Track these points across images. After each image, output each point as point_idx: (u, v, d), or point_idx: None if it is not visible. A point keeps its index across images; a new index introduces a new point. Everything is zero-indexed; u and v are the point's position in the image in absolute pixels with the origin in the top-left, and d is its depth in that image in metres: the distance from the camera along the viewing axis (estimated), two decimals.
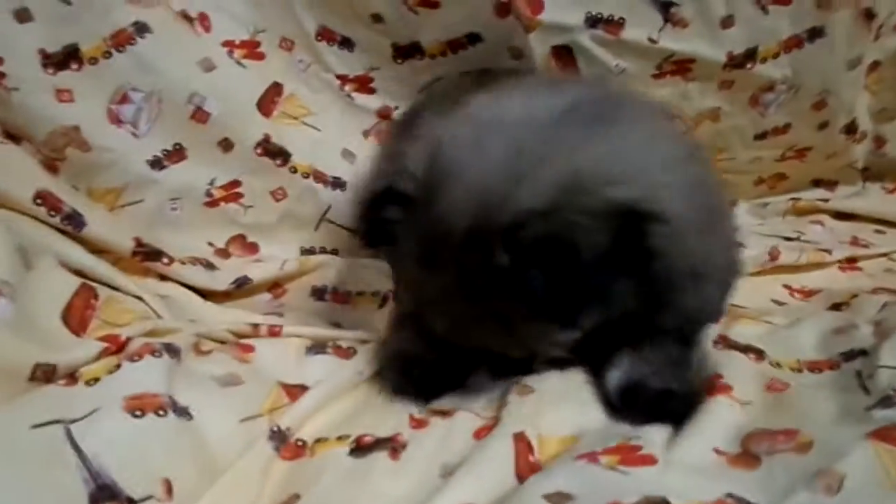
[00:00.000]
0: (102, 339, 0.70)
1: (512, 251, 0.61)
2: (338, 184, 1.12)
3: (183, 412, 0.63)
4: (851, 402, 0.65)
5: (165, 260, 0.93)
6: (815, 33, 1.14)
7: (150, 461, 0.58)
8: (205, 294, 0.96)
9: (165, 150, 1.00)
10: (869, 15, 1.15)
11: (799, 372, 0.74)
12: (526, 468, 0.61)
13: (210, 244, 1.05)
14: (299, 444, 0.67)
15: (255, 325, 0.83)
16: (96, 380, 0.64)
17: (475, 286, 0.64)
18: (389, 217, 0.69)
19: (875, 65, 1.28)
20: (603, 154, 0.64)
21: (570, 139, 0.64)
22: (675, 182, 0.66)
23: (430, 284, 0.67)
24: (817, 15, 1.12)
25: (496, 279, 0.62)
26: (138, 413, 0.60)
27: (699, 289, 0.70)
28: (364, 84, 1.16)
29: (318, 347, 0.82)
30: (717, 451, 0.61)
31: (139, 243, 0.91)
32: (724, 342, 0.79)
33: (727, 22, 1.10)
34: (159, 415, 0.61)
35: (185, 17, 1.01)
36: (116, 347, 0.70)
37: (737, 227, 0.79)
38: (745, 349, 0.78)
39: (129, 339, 0.71)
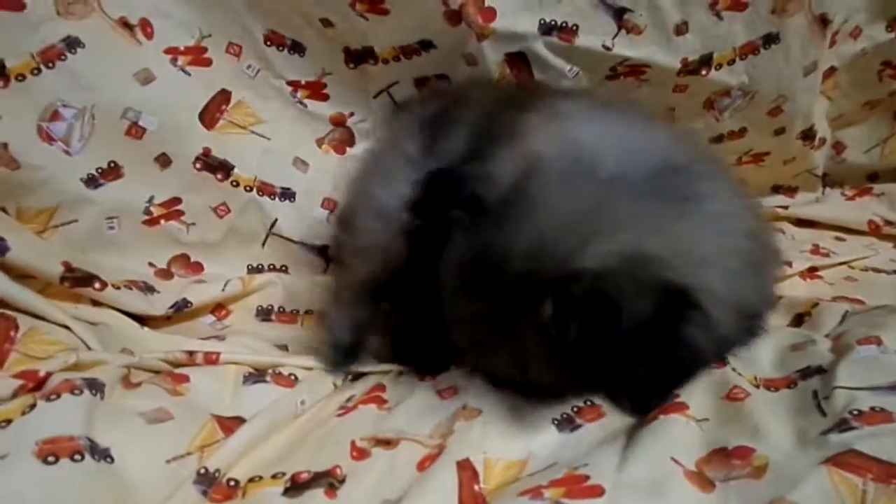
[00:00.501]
0: (19, 375, 0.66)
1: (558, 301, 0.62)
2: (287, 195, 1.08)
3: (103, 455, 0.59)
4: (807, 424, 0.63)
5: (97, 285, 0.88)
6: (771, 39, 1.12)
7: None
8: (143, 319, 0.91)
9: (100, 168, 0.95)
10: (824, 21, 1.14)
11: (756, 388, 0.72)
12: (470, 500, 0.58)
13: (151, 264, 1.01)
14: (231, 484, 0.62)
15: (191, 353, 0.79)
16: (8, 421, 0.60)
17: (509, 326, 0.66)
18: (453, 218, 0.70)
19: (831, 71, 1.27)
20: (672, 239, 0.65)
21: (648, 214, 0.66)
22: (730, 271, 0.68)
23: (464, 304, 0.69)
24: (772, 21, 1.11)
25: (533, 326, 0.64)
26: (51, 459, 0.56)
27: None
28: (317, 90, 1.12)
29: (257, 376, 0.78)
30: (675, 461, 0.59)
31: (69, 268, 0.87)
32: None
33: (681, 28, 1.08)
34: (75, 460, 0.57)
35: (126, 24, 0.96)
36: (34, 384, 0.66)
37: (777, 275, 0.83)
38: None
39: (48, 375, 0.67)
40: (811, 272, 1.15)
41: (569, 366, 0.63)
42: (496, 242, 0.66)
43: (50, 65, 0.89)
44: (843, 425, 0.60)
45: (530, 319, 0.64)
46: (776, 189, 1.39)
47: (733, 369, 0.73)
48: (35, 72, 0.89)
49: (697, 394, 0.69)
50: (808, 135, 1.28)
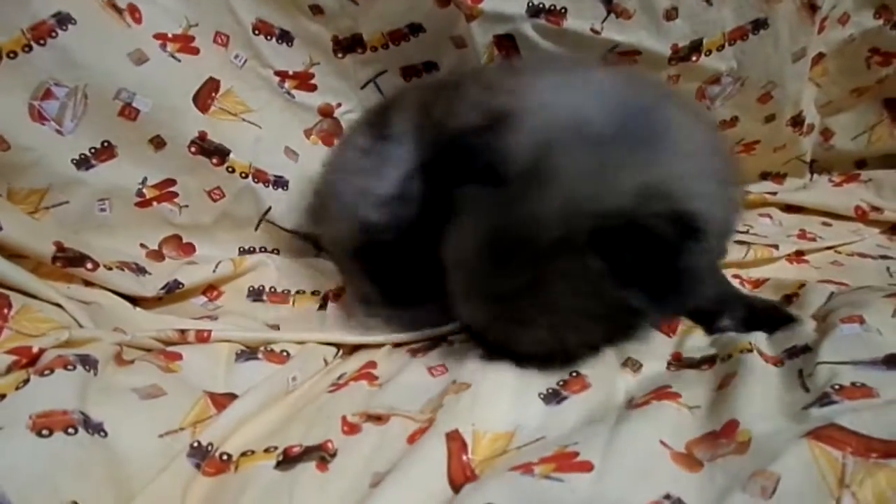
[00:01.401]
0: (12, 351, 0.67)
1: (603, 246, 0.66)
2: (280, 183, 1.08)
3: (97, 429, 0.60)
4: (792, 400, 0.64)
5: (90, 265, 0.88)
6: (759, 25, 1.13)
7: (57, 483, 0.54)
8: (135, 300, 0.92)
9: (93, 149, 0.95)
10: (812, 7, 1.15)
11: (749, 352, 0.72)
12: (459, 470, 0.59)
13: (142, 245, 1.01)
14: (224, 458, 0.63)
15: (183, 331, 0.79)
16: (2, 396, 0.60)
17: (549, 295, 0.68)
18: (465, 193, 0.72)
19: (820, 57, 1.28)
20: (663, 172, 0.69)
21: (635, 157, 0.69)
22: (711, 193, 0.72)
23: (494, 282, 0.70)
24: (761, 6, 1.12)
25: (582, 282, 0.67)
26: (45, 432, 0.56)
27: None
28: (304, 81, 1.12)
29: (249, 353, 0.79)
30: (663, 443, 0.60)
31: (60, 248, 0.86)
32: (678, 361, 0.78)
33: (671, 13, 1.09)
34: (69, 433, 0.57)
35: (114, 7, 0.95)
36: (27, 360, 0.66)
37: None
38: (699, 363, 0.76)
39: (41, 351, 0.67)
40: (798, 256, 1.16)
41: (621, 307, 0.69)
42: (524, 215, 0.68)
43: (41, 42, 0.88)
44: (824, 399, 0.61)
45: (576, 277, 0.67)
46: (765, 176, 1.41)
47: (721, 359, 0.74)
48: (26, 49, 0.88)
49: (691, 385, 0.70)
50: (797, 121, 1.30)
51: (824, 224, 1.29)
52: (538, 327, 0.70)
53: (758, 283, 1.05)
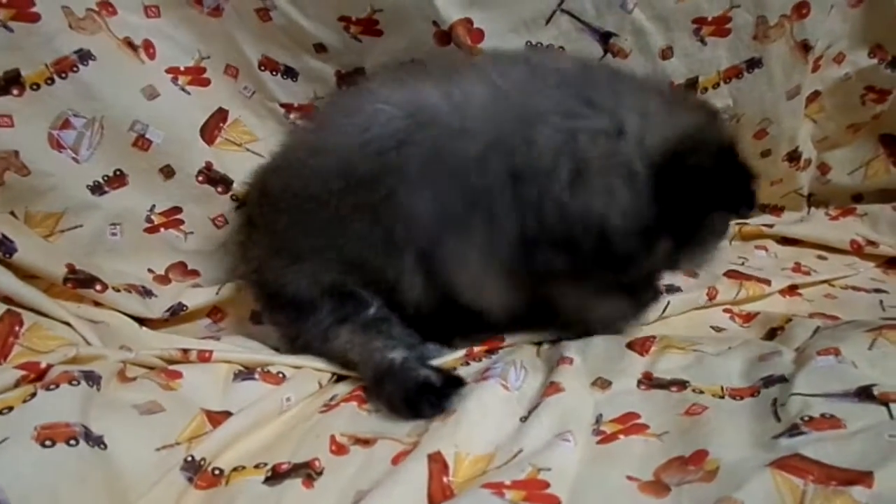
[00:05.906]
0: (22, 366, 0.70)
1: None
2: None
3: (97, 441, 0.63)
4: (762, 429, 0.66)
5: (98, 287, 0.93)
6: (754, 64, 1.16)
7: (57, 492, 0.57)
8: (142, 320, 0.96)
9: (106, 176, 1.00)
10: (805, 47, 1.18)
11: (721, 398, 0.75)
12: (438, 491, 0.61)
13: (150, 270, 1.05)
14: (216, 472, 0.67)
15: (186, 351, 0.83)
16: (10, 408, 0.63)
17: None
18: None
19: (816, 94, 1.31)
20: None
21: None
22: None
23: None
24: (754, 46, 1.15)
25: None
26: (48, 443, 0.60)
27: None
28: (310, 112, 1.16)
29: (246, 373, 0.82)
30: (629, 478, 0.62)
31: (72, 270, 0.91)
32: (648, 381, 0.80)
33: (666, 53, 1.12)
34: (70, 444, 0.61)
35: (129, 44, 1.01)
36: (35, 375, 0.70)
37: None
38: (669, 384, 0.78)
39: (49, 367, 0.71)
40: (791, 290, 1.18)
41: None
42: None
43: (63, 75, 0.94)
44: (793, 430, 0.63)
45: None
46: (763, 208, 1.42)
47: (693, 390, 0.76)
48: (49, 81, 0.93)
49: (657, 414, 0.72)
50: (793, 156, 1.32)
51: (819, 258, 1.31)
52: None
53: (749, 317, 1.07)
